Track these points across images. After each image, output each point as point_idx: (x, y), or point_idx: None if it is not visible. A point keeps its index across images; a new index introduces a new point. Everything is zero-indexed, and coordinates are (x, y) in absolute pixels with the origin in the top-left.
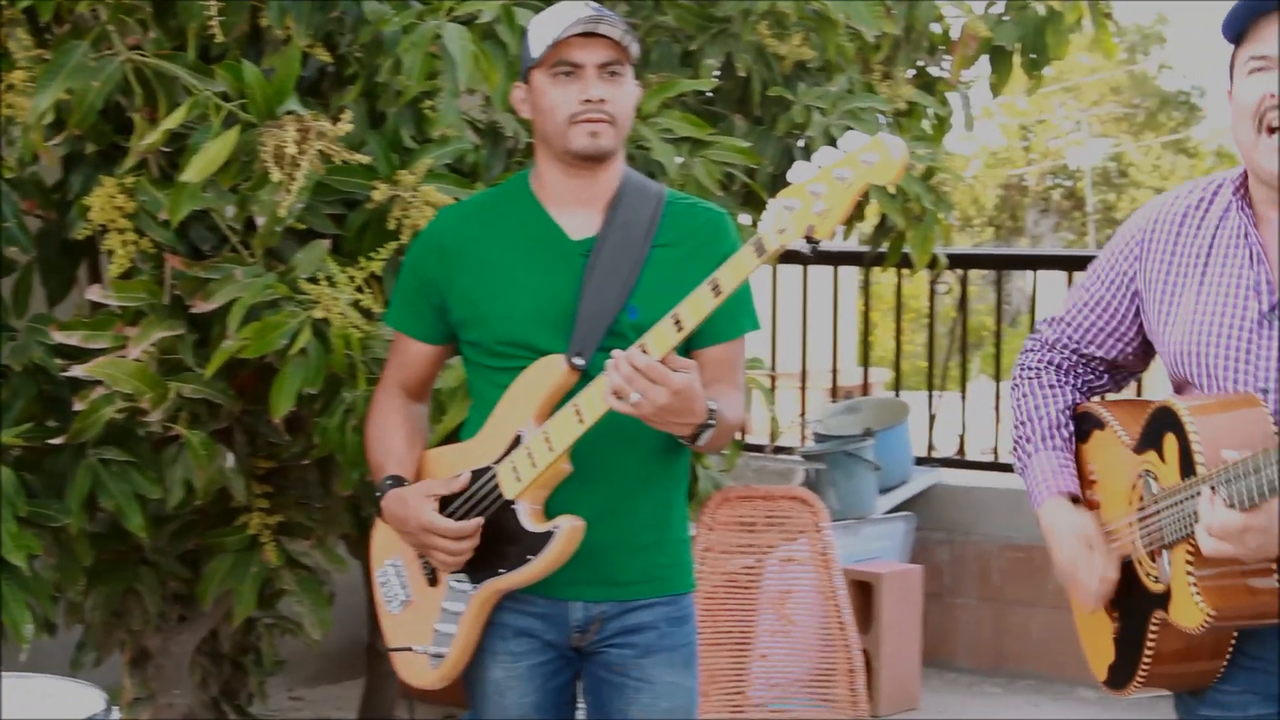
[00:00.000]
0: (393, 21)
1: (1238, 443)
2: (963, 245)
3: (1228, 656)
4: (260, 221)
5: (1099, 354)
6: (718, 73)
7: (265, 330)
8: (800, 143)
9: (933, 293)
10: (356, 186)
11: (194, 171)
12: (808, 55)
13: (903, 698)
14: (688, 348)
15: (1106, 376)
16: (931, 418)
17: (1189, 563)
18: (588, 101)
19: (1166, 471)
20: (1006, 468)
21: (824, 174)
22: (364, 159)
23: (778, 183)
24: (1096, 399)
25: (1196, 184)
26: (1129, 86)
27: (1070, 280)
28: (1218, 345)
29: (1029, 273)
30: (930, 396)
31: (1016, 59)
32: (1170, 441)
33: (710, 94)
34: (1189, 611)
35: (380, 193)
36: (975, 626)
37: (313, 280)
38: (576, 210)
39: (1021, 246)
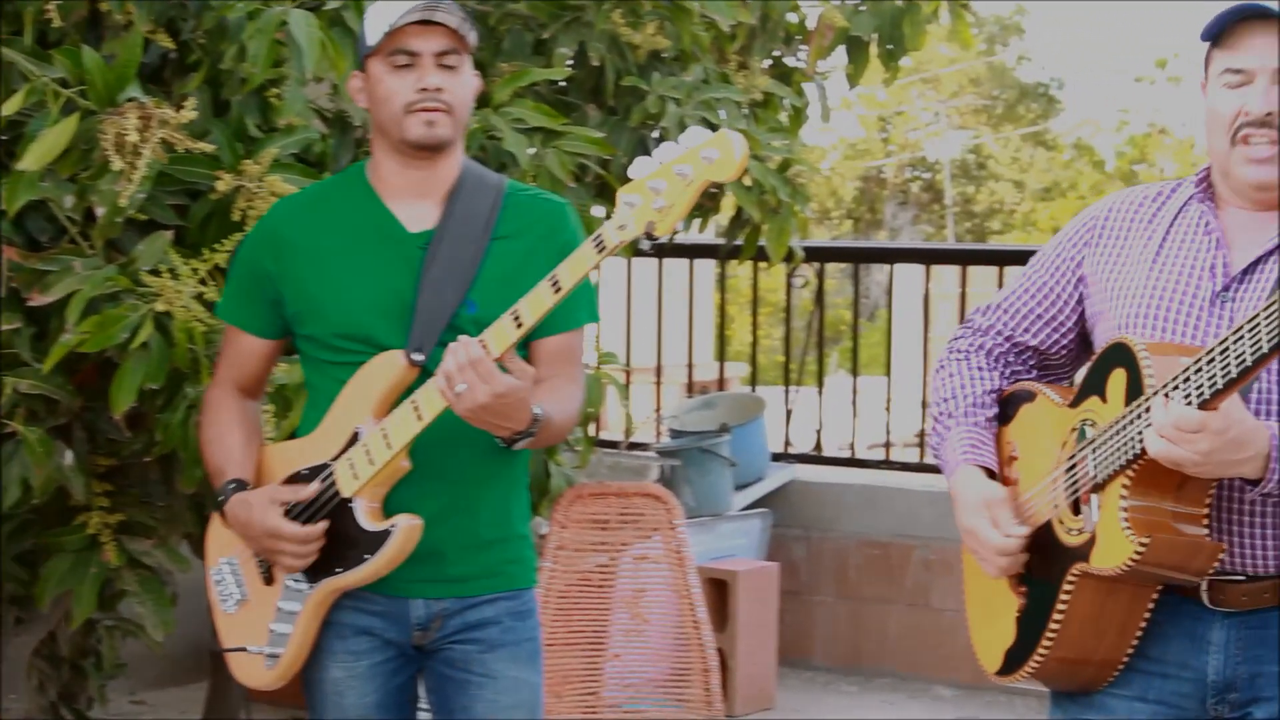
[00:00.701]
0: (237, 7)
1: None
2: (820, 238)
3: (1130, 650)
4: (100, 212)
5: (1032, 342)
6: (571, 62)
7: (105, 324)
8: (655, 133)
9: (789, 286)
10: (200, 176)
11: (31, 160)
12: (662, 45)
13: (758, 697)
14: (525, 339)
15: (1035, 372)
16: (788, 413)
17: (1123, 496)
18: (424, 90)
19: (1108, 410)
20: (863, 463)
21: (664, 170)
22: (208, 148)
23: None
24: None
25: (1152, 184)
26: (988, 78)
27: (929, 274)
28: (1168, 320)
29: (887, 266)
30: (787, 391)
31: (873, 50)
32: (1118, 377)
33: (563, 83)
34: (1117, 548)
35: (224, 183)
36: (832, 624)
37: (154, 273)
38: (414, 202)
39: (880, 239)
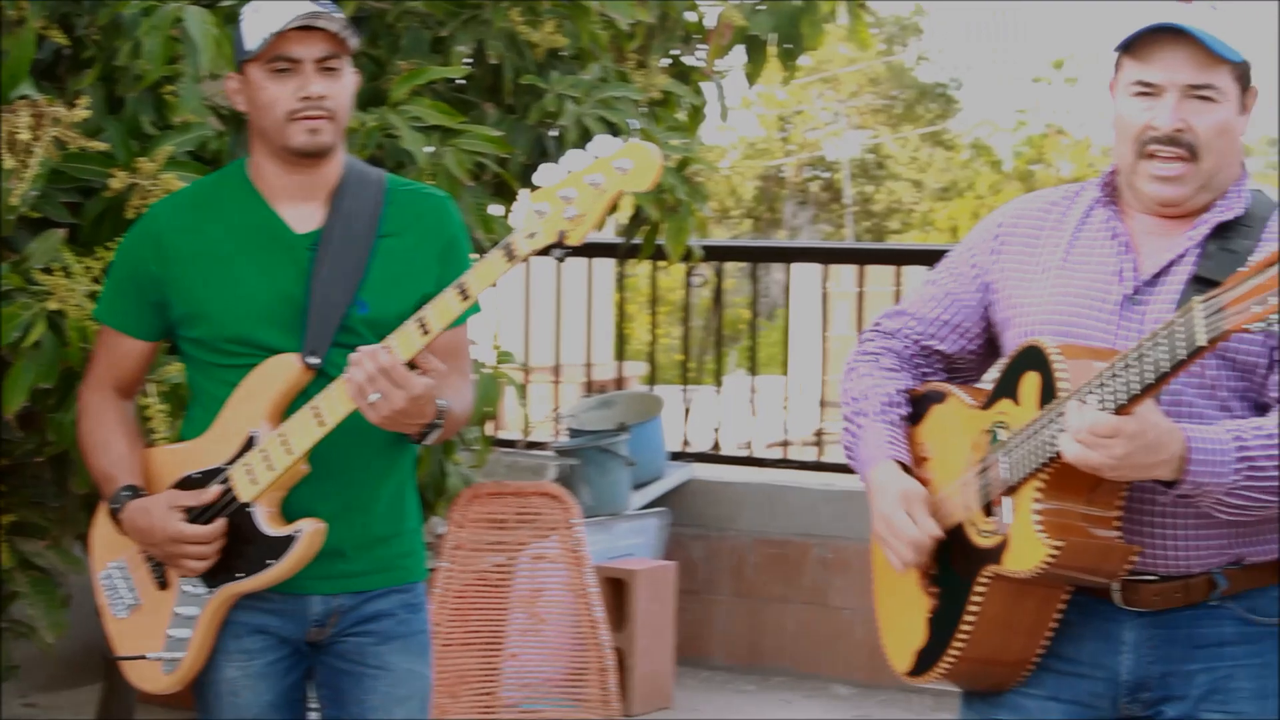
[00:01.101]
0: (132, 4)
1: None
2: (720, 237)
3: (1041, 649)
4: None
5: (940, 348)
6: (469, 60)
7: None
8: (553, 132)
9: (688, 285)
10: (94, 174)
11: None
12: (561, 43)
13: (656, 696)
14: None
15: (943, 374)
16: (686, 412)
17: (1036, 500)
18: (307, 99)
19: (1021, 413)
20: (761, 462)
21: (574, 179)
22: (101, 146)
23: (529, 172)
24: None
25: (1056, 188)
26: (887, 78)
27: (827, 273)
28: (1078, 326)
29: (785, 265)
30: (685, 390)
31: (772, 49)
32: (1031, 380)
33: (461, 82)
34: (1030, 551)
35: (118, 180)
36: (730, 623)
37: (47, 271)
38: (299, 203)
39: (779, 239)
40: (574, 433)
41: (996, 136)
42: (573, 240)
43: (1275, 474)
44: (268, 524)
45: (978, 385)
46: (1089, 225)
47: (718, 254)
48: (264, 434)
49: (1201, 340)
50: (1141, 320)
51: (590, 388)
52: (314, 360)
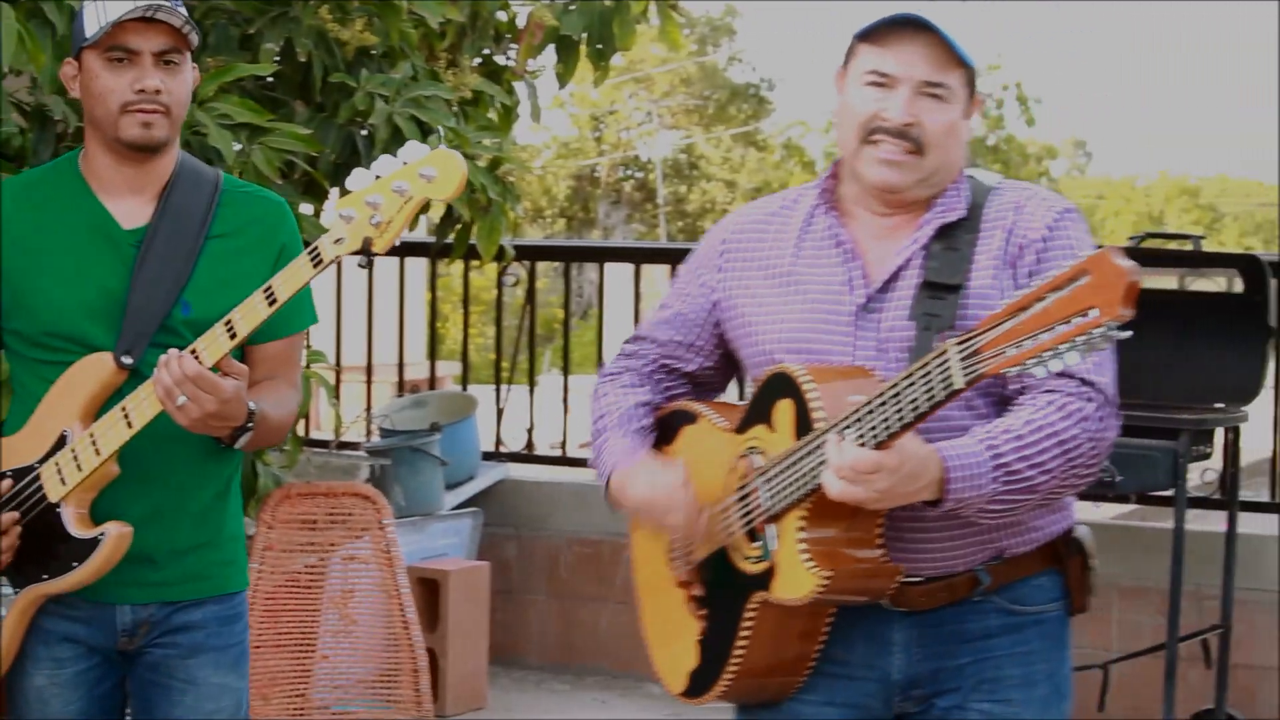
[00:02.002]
0: None
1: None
2: (534, 237)
3: (813, 658)
4: None
5: (679, 367)
6: (278, 57)
7: None
8: (363, 131)
9: (500, 285)
10: None
11: None
12: (371, 41)
13: (469, 696)
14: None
15: (688, 388)
16: (500, 412)
17: (801, 530)
18: (142, 91)
19: (776, 440)
20: (575, 462)
21: (382, 184)
22: None
23: (339, 171)
24: (687, 399)
25: (773, 197)
26: (699, 78)
27: (639, 272)
28: (815, 336)
29: (598, 264)
30: (499, 390)
31: (584, 49)
32: (784, 407)
33: (270, 79)
34: (799, 580)
35: None
36: (544, 623)
37: None
38: (128, 198)
39: (593, 238)
40: (386, 433)
41: (808, 137)
42: (378, 248)
43: (1030, 473)
44: (76, 526)
45: (727, 403)
46: (811, 234)
47: (531, 253)
48: (75, 433)
49: (959, 385)
50: (877, 329)
51: (403, 387)
52: (128, 360)
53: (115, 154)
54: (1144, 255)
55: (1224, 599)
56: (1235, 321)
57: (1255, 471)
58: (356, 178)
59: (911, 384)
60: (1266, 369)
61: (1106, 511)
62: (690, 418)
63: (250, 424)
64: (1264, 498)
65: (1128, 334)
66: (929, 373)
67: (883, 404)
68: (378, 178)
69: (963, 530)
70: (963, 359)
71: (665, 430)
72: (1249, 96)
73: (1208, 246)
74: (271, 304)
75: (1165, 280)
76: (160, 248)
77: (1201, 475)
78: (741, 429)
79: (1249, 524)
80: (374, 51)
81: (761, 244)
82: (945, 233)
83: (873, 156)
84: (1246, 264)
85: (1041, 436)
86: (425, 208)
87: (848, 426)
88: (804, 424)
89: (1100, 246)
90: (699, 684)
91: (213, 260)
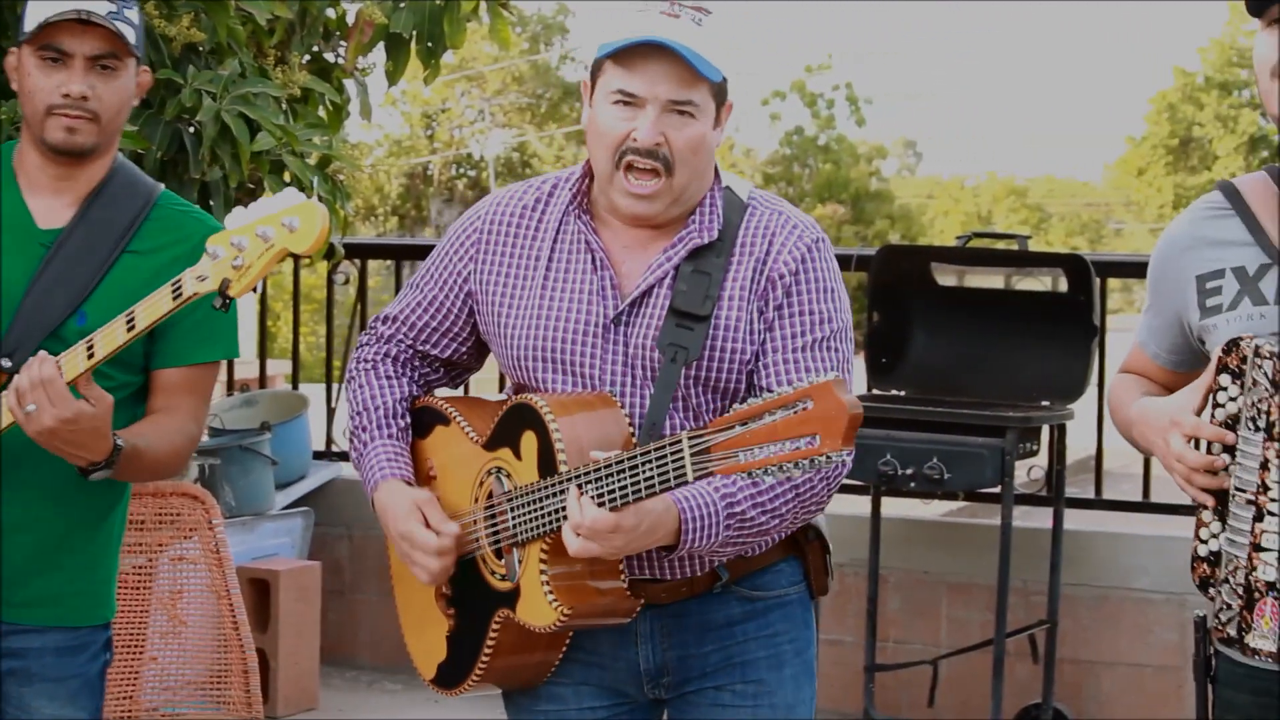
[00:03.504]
0: None
1: (598, 442)
2: (367, 235)
3: (558, 659)
4: None
5: (434, 352)
6: None
7: None
8: (191, 128)
9: (330, 283)
10: None
11: None
12: (198, 38)
13: (301, 697)
14: (147, 365)
15: (444, 372)
16: (331, 411)
17: (543, 561)
18: (67, 95)
19: (523, 469)
20: None
21: (250, 228)
22: None
23: (166, 168)
24: (439, 395)
25: (530, 184)
26: (532, 76)
27: None
28: (566, 347)
29: None
30: (329, 389)
31: (414, 47)
32: (529, 439)
33: None
34: (540, 611)
35: None
36: (376, 623)
37: None
38: (50, 197)
39: (426, 236)
40: (215, 432)
41: None
42: (234, 291)
43: (763, 519)
44: None
45: (479, 400)
46: (565, 236)
47: (362, 251)
48: None
49: (690, 479)
50: (626, 347)
51: (233, 386)
52: (6, 362)
53: (42, 153)
54: (971, 255)
55: (1050, 595)
56: (1061, 320)
57: (1080, 469)
58: (235, 216)
59: (648, 461)
60: (1091, 367)
61: (935, 509)
62: (444, 419)
63: (109, 462)
64: (1089, 494)
65: (848, 461)
66: (664, 457)
67: (621, 470)
68: (251, 219)
69: None
70: (693, 455)
71: (418, 424)
72: (1077, 98)
73: (1034, 246)
74: (130, 330)
75: (992, 280)
76: (70, 253)
77: (1028, 472)
78: (490, 446)
79: (1075, 520)
80: (202, 48)
81: (517, 239)
82: (695, 253)
83: (624, 188)
84: (1071, 264)
85: (777, 483)
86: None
87: (590, 481)
88: (547, 461)
89: (830, 378)
90: (448, 677)
91: (125, 274)
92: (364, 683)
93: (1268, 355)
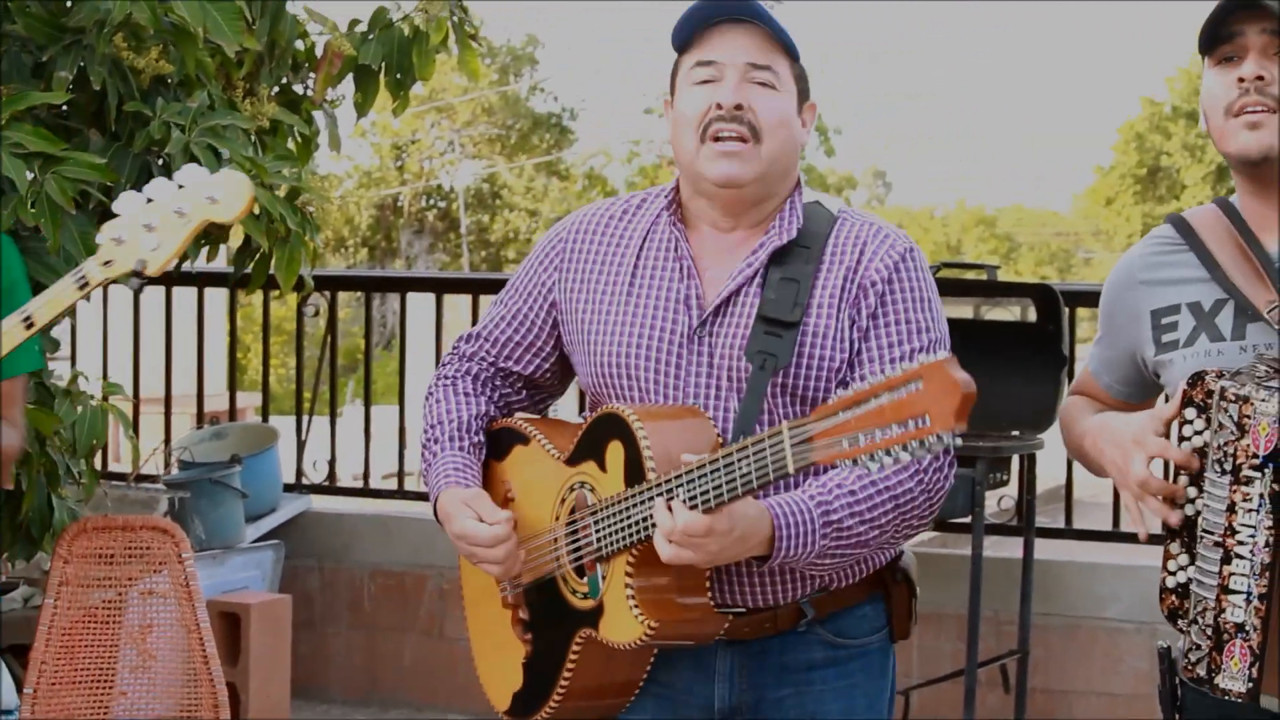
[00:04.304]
0: None
1: (687, 449)
2: (337, 266)
3: (639, 686)
4: None
5: (516, 369)
6: (71, 85)
7: None
8: (160, 160)
9: (300, 315)
10: None
11: None
12: (166, 70)
13: None
14: None
15: (525, 393)
16: (301, 443)
17: (629, 574)
18: None
19: (608, 481)
20: (377, 493)
21: (158, 207)
22: None
23: None
24: (519, 416)
25: (619, 198)
26: (501, 108)
27: (441, 302)
28: (649, 359)
29: (401, 294)
30: (299, 421)
31: (383, 78)
32: (615, 449)
33: (64, 108)
34: (626, 626)
35: None
36: (347, 655)
37: None
38: None
39: (396, 268)
40: (185, 465)
41: (610, 167)
42: (151, 270)
43: (861, 529)
44: None
45: (561, 421)
46: (652, 243)
47: (331, 283)
48: None
49: (790, 471)
50: (711, 358)
51: (202, 419)
52: None
53: None
54: (940, 285)
55: (1021, 624)
56: (1030, 350)
57: (1051, 498)
58: (125, 201)
59: (745, 456)
60: (1061, 397)
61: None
62: (523, 438)
63: None
64: (1059, 524)
65: (959, 441)
66: (762, 450)
67: (715, 470)
68: (151, 200)
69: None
70: (794, 445)
71: (496, 445)
72: (1046, 127)
73: (1003, 276)
74: (29, 328)
75: (962, 309)
76: None
77: (999, 502)
78: (573, 461)
79: (1045, 550)
80: (170, 80)
81: (603, 247)
82: (782, 258)
83: (711, 151)
84: (1040, 293)
85: (875, 491)
86: (225, 234)
87: (680, 485)
88: (635, 470)
89: (943, 356)
90: (524, 706)
91: None
92: (335, 716)
93: (1233, 399)
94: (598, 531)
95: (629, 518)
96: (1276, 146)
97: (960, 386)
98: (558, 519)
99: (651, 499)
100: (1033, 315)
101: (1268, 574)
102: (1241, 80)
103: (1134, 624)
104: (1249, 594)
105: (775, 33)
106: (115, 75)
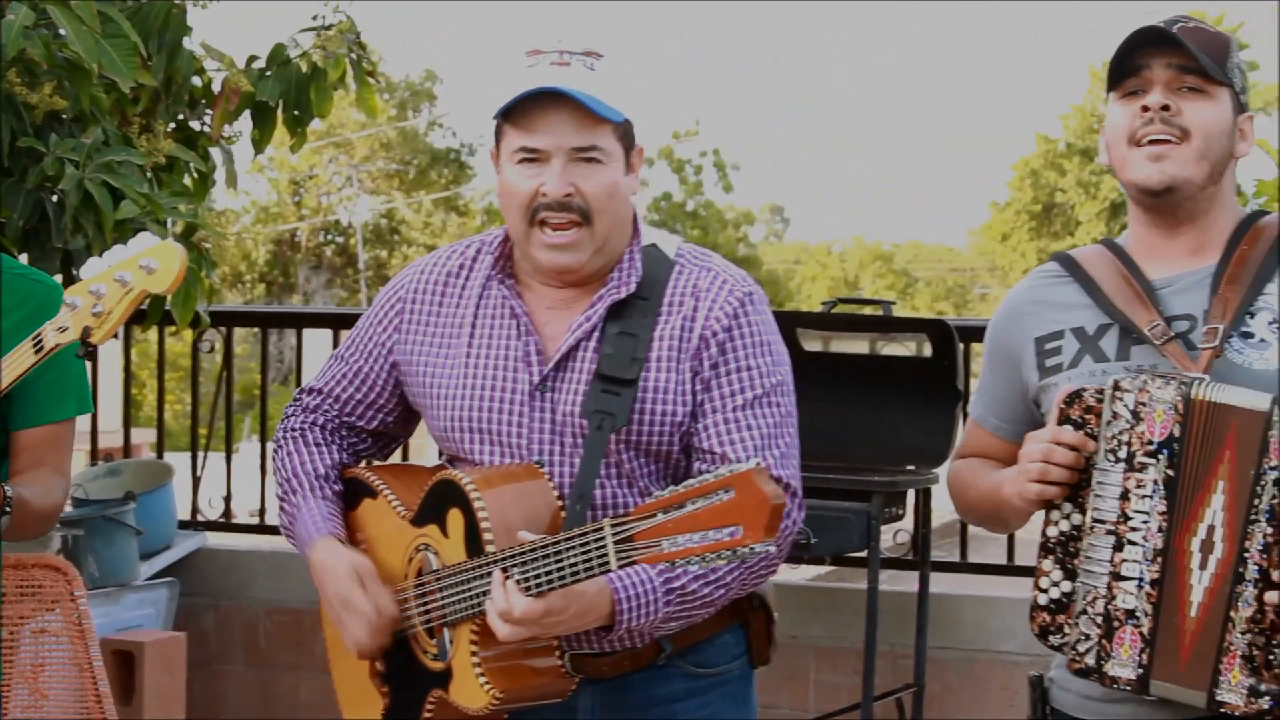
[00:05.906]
0: None
1: (525, 518)
2: (234, 302)
3: None
4: None
5: (360, 424)
6: None
7: None
8: (54, 196)
9: (196, 351)
10: None
11: None
12: (60, 105)
13: None
14: (5, 426)
15: (372, 442)
16: (196, 479)
17: (474, 644)
18: None
19: (450, 548)
20: (274, 530)
21: (107, 275)
22: None
23: (29, 237)
24: (365, 465)
25: (454, 249)
26: (400, 143)
27: (337, 338)
28: (492, 416)
29: (297, 330)
30: (195, 457)
31: (280, 115)
32: (455, 517)
33: None
34: (473, 693)
35: None
36: (242, 694)
37: None
38: None
39: (294, 303)
40: (79, 502)
41: None
42: (96, 338)
43: (705, 590)
44: None
45: (410, 468)
46: (488, 302)
47: (227, 319)
48: None
49: (614, 568)
50: (552, 413)
51: (96, 455)
52: None
53: None
54: (837, 320)
55: (917, 658)
56: (925, 385)
57: (946, 532)
58: (89, 266)
59: (571, 548)
60: (955, 432)
61: (803, 573)
62: (371, 492)
63: (6, 509)
64: (954, 558)
65: (772, 550)
66: (587, 544)
67: (546, 555)
68: (107, 266)
69: None
70: (617, 543)
71: (346, 495)
72: (942, 164)
73: (900, 311)
74: None
75: (857, 345)
76: None
77: (894, 536)
78: (418, 522)
79: (940, 584)
80: (64, 116)
81: (441, 307)
82: (619, 312)
83: (541, 241)
84: (935, 329)
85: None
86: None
87: (515, 565)
88: (474, 540)
89: (750, 465)
90: None
91: None
92: None
93: (1128, 389)
94: (443, 597)
95: (470, 590)
96: (1179, 177)
97: (769, 499)
98: (406, 577)
99: (489, 574)
100: (928, 350)
101: (1159, 559)
102: (1146, 110)
103: (1029, 657)
104: (1141, 580)
105: (594, 109)
106: (8, 111)
